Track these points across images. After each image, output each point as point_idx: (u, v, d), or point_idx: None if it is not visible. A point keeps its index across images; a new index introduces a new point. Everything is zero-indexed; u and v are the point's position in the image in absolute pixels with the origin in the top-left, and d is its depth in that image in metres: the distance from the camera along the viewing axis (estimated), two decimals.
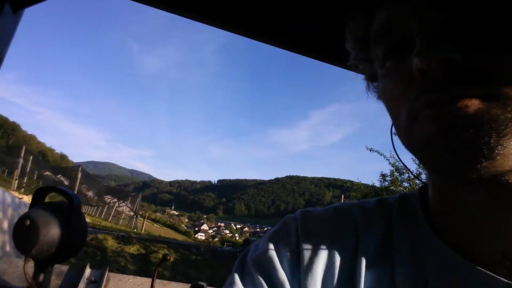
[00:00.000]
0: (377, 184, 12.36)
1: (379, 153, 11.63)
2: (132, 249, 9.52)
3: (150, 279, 1.82)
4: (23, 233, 1.25)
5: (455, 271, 0.42)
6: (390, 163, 11.55)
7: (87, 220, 14.08)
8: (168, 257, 1.67)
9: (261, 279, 0.48)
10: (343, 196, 29.11)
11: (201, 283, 1.52)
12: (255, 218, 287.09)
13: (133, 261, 7.98)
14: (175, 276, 7.39)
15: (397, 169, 11.49)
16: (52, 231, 1.26)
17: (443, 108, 0.37)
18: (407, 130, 0.42)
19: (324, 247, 0.49)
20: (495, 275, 0.40)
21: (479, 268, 0.41)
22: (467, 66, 0.36)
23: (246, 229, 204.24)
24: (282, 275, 0.48)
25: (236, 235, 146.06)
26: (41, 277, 1.37)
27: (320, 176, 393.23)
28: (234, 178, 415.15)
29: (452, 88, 0.37)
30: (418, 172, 11.14)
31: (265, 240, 0.53)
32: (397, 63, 0.44)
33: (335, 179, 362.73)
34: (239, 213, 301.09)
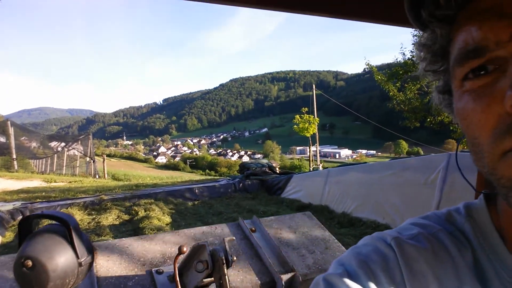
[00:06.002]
0: (401, 58, 10.34)
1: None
2: (111, 218, 7.11)
3: (135, 238, 1.60)
4: (29, 278, 0.99)
5: None
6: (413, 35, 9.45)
7: (38, 182, 11.13)
8: (184, 250, 1.24)
9: None
10: (316, 90, 27.04)
11: (203, 242, 1.24)
12: (209, 129, 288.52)
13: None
14: None
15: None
16: (60, 263, 1.02)
17: None
18: (493, 162, 0.39)
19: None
20: None
21: None
22: None
23: (203, 141, 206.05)
24: None
25: (195, 149, 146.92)
26: None
27: (263, 72, 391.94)
28: (179, 94, 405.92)
29: None
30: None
31: (357, 264, 0.47)
32: (480, 86, 0.40)
33: (277, 72, 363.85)
34: (192, 127, 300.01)
